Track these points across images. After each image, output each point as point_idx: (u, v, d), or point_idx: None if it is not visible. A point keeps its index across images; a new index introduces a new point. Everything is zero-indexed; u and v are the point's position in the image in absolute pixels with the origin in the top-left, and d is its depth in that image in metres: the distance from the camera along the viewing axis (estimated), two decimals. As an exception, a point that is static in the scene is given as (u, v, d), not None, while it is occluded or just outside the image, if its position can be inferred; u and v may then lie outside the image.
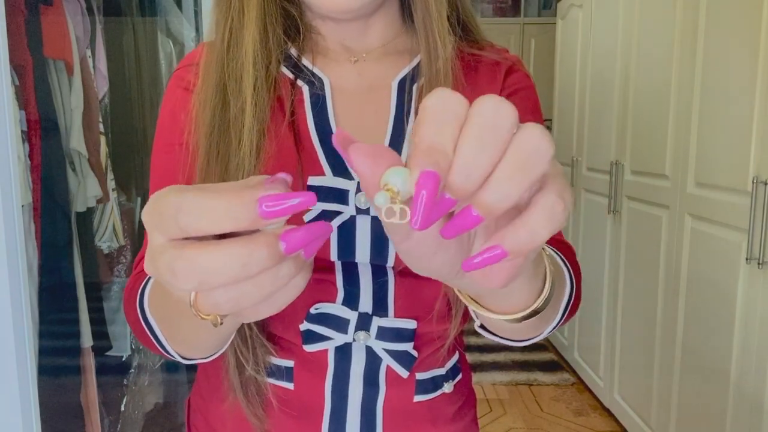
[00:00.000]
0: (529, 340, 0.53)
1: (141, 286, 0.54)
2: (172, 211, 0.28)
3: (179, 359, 0.54)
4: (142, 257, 0.62)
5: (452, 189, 0.27)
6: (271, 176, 0.31)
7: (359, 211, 0.58)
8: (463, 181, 0.27)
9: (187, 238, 0.29)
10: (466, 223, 0.29)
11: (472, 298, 0.42)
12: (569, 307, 0.53)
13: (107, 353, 1.92)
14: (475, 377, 3.10)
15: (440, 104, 0.28)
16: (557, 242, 0.59)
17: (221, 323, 0.32)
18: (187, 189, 0.29)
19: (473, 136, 0.27)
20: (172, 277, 0.29)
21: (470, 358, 3.32)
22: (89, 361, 1.76)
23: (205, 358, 0.55)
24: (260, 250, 0.28)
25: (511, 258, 0.29)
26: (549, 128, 3.82)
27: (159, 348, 0.54)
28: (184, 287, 0.29)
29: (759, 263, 1.61)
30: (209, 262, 0.28)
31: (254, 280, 0.29)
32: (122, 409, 2.00)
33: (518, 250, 0.29)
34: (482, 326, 0.52)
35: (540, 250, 0.41)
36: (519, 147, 0.28)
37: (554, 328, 0.53)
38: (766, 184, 1.57)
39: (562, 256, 0.55)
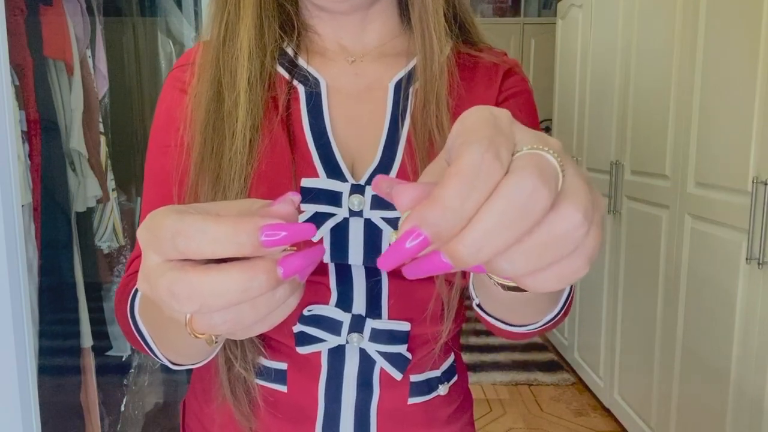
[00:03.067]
0: (521, 327, 0.53)
1: (132, 290, 0.54)
2: (169, 234, 0.29)
3: (169, 365, 0.54)
4: (135, 257, 0.61)
5: (453, 256, 0.26)
6: (280, 198, 0.32)
7: (352, 213, 0.58)
8: (468, 255, 0.26)
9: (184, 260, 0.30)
10: (434, 268, 0.27)
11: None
12: (563, 309, 0.53)
13: (107, 353, 1.92)
14: (475, 377, 3.10)
15: (477, 164, 0.26)
16: None
17: (216, 342, 0.32)
18: (186, 212, 0.30)
19: (498, 213, 0.25)
20: (171, 300, 0.29)
21: (470, 358, 3.31)
22: (89, 361, 1.76)
23: (194, 364, 0.54)
24: (260, 275, 0.29)
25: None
26: (549, 129, 3.82)
27: (149, 352, 0.54)
28: (184, 310, 0.29)
29: (759, 263, 1.61)
30: (211, 286, 0.29)
31: (251, 302, 0.30)
32: (122, 409, 2.00)
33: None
34: (479, 305, 0.52)
35: None
36: (550, 230, 0.26)
37: (543, 326, 0.53)
38: (766, 184, 1.57)
39: None
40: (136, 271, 0.59)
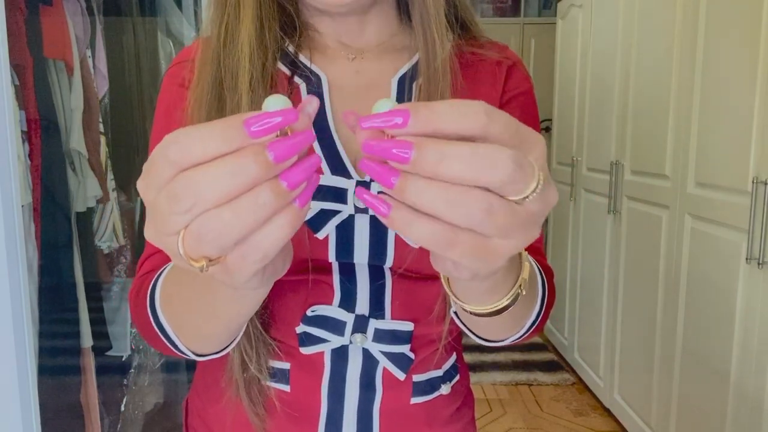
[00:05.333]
0: (490, 342, 0.56)
1: (150, 287, 0.54)
2: (162, 151, 0.30)
3: (192, 356, 0.54)
4: (146, 259, 0.61)
5: (401, 184, 0.30)
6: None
7: (358, 210, 0.58)
8: (428, 164, 0.29)
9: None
10: (381, 178, 0.30)
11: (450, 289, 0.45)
12: (534, 325, 0.55)
13: (107, 353, 1.92)
14: (475, 377, 3.10)
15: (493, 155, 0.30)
16: (540, 264, 0.59)
17: (207, 269, 0.32)
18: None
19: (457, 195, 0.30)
20: (171, 203, 0.30)
21: (470, 358, 3.31)
22: (89, 361, 1.76)
23: (217, 352, 0.54)
24: (248, 157, 0.29)
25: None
26: (549, 128, 3.82)
27: (171, 347, 0.54)
28: (182, 208, 0.30)
29: (759, 263, 1.61)
30: (204, 174, 0.29)
31: (233, 207, 0.30)
32: (122, 409, 2.00)
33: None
34: (455, 314, 0.54)
35: (511, 268, 0.43)
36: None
37: (516, 339, 0.56)
38: (766, 184, 1.57)
39: (545, 280, 0.56)
40: (148, 272, 0.59)
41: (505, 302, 0.43)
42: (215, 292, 0.42)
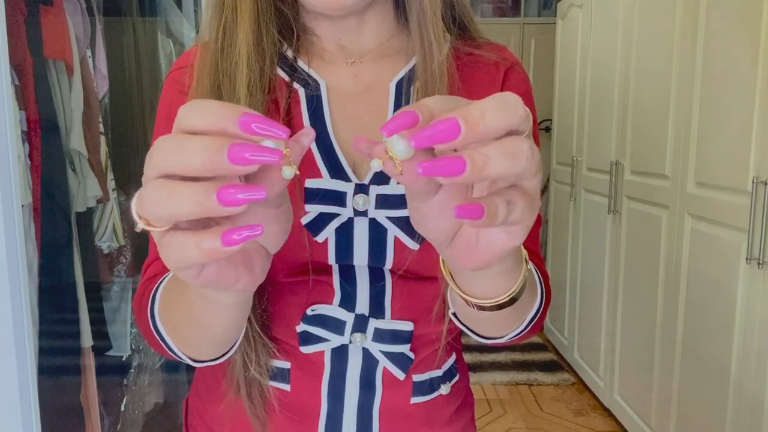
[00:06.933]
0: (489, 339, 0.56)
1: (151, 295, 0.55)
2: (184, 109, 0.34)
3: (191, 362, 0.55)
4: (149, 264, 0.62)
5: (472, 160, 0.31)
6: (295, 136, 0.35)
7: (357, 213, 0.58)
8: (480, 163, 0.31)
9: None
10: (450, 169, 0.31)
11: (452, 280, 0.45)
12: (533, 322, 0.55)
13: (107, 353, 1.92)
14: (475, 377, 3.10)
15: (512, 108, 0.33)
16: (537, 267, 0.59)
17: (147, 228, 0.33)
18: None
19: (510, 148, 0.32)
20: (151, 153, 0.32)
21: (470, 358, 3.31)
22: (89, 361, 1.76)
23: (214, 360, 0.55)
24: (211, 140, 0.30)
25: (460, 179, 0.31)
26: (549, 128, 3.82)
27: (172, 354, 0.55)
28: (150, 161, 0.32)
29: (759, 263, 1.61)
30: (172, 140, 0.32)
31: (171, 185, 0.31)
32: (122, 409, 2.00)
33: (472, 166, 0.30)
34: (454, 314, 0.54)
35: (520, 253, 0.44)
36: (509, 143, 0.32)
37: (515, 336, 0.56)
38: (766, 184, 1.57)
39: (542, 280, 0.56)
40: (152, 277, 0.59)
41: (515, 290, 0.44)
42: (195, 303, 0.44)
